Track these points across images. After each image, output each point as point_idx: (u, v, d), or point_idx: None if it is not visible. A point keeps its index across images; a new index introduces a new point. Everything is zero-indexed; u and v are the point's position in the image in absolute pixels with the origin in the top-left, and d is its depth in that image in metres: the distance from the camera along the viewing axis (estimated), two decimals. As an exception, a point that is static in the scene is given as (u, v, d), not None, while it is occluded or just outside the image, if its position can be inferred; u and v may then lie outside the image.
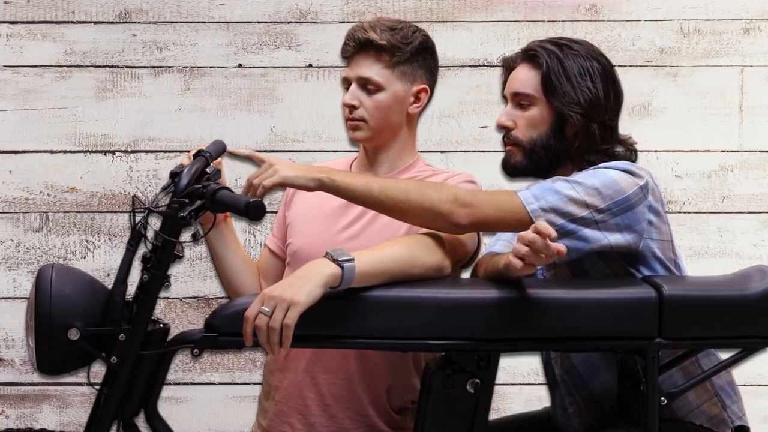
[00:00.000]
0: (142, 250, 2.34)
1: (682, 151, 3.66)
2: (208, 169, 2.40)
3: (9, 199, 3.64)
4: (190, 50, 3.65)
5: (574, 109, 2.48)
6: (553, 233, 2.17)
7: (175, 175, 2.36)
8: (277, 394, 2.66)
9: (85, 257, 3.63)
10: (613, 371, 2.48)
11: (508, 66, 2.61)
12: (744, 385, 2.62)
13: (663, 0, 3.65)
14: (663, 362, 2.36)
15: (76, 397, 3.63)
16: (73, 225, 3.64)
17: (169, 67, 3.65)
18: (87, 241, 3.64)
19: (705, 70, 3.65)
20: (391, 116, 2.64)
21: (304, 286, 2.21)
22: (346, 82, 2.67)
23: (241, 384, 3.65)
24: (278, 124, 3.65)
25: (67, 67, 3.64)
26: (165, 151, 3.64)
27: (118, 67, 3.65)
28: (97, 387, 2.36)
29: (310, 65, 3.66)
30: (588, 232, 2.36)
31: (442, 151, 3.63)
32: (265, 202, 2.28)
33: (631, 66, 3.62)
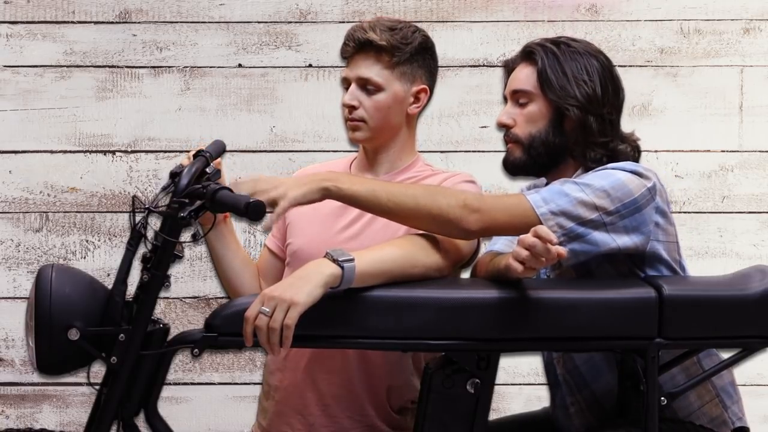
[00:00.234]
0: (142, 250, 2.34)
1: (682, 151, 3.66)
2: (208, 169, 2.40)
3: (9, 199, 3.64)
4: (190, 50, 3.65)
5: (570, 102, 2.48)
6: (554, 238, 2.17)
7: (175, 175, 2.35)
8: (276, 394, 2.66)
9: (85, 257, 3.63)
10: (615, 372, 2.48)
11: (509, 67, 2.62)
12: (744, 385, 2.62)
13: (663, 0, 3.65)
14: (663, 362, 2.36)
15: (76, 397, 3.63)
16: (73, 225, 3.64)
17: (169, 67, 3.65)
18: (87, 241, 3.64)
19: (705, 70, 3.65)
20: (390, 116, 2.64)
21: (304, 286, 2.21)
22: (346, 83, 2.67)
23: (241, 384, 3.65)
24: (278, 124, 3.66)
25: (67, 67, 3.64)
26: (165, 151, 3.64)
27: (118, 67, 3.65)
28: (97, 387, 2.35)
29: (310, 65, 3.66)
30: (597, 235, 2.36)
31: (442, 151, 3.63)
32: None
33: (631, 66, 3.62)
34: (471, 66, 3.65)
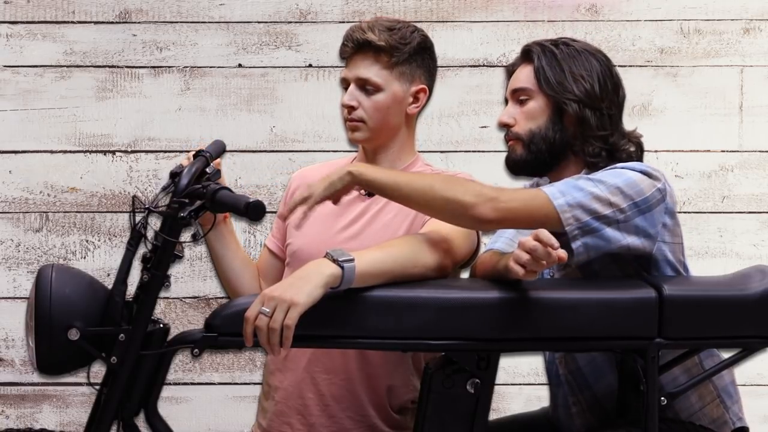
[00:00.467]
0: (142, 250, 2.34)
1: (682, 151, 3.66)
2: (208, 169, 2.40)
3: (9, 199, 3.64)
4: (190, 50, 3.65)
5: (568, 97, 2.49)
6: (555, 242, 2.17)
7: (175, 175, 2.36)
8: (276, 394, 2.66)
9: (85, 257, 3.63)
10: (617, 373, 2.48)
11: (509, 71, 2.62)
12: (744, 385, 2.62)
13: (663, 0, 3.65)
14: (663, 362, 2.36)
15: (76, 397, 3.63)
16: (73, 225, 3.64)
17: (169, 67, 3.65)
18: (87, 241, 3.64)
19: (705, 70, 3.65)
20: (389, 117, 2.64)
21: (304, 286, 2.21)
22: (345, 83, 2.67)
23: (241, 384, 3.65)
24: (278, 124, 3.66)
25: (67, 67, 3.64)
26: (165, 151, 3.64)
27: (118, 67, 3.65)
28: (97, 387, 2.35)
29: (310, 65, 3.66)
30: (609, 231, 2.36)
31: (442, 151, 3.63)
32: (265, 203, 2.28)
33: (631, 66, 3.62)
34: (471, 66, 3.65)
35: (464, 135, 3.65)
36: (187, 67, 3.65)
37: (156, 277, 2.31)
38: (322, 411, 2.62)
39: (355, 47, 2.63)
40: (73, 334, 2.25)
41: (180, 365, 3.63)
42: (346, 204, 2.56)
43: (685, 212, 3.63)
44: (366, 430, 2.61)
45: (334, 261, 2.24)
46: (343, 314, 2.27)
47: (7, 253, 3.64)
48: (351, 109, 2.63)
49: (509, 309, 2.29)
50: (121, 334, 2.28)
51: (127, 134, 3.64)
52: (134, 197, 2.37)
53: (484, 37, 3.65)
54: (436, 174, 2.53)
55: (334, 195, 2.35)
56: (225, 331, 2.28)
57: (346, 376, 2.61)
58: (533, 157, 2.53)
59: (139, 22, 3.65)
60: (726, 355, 2.45)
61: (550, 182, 2.59)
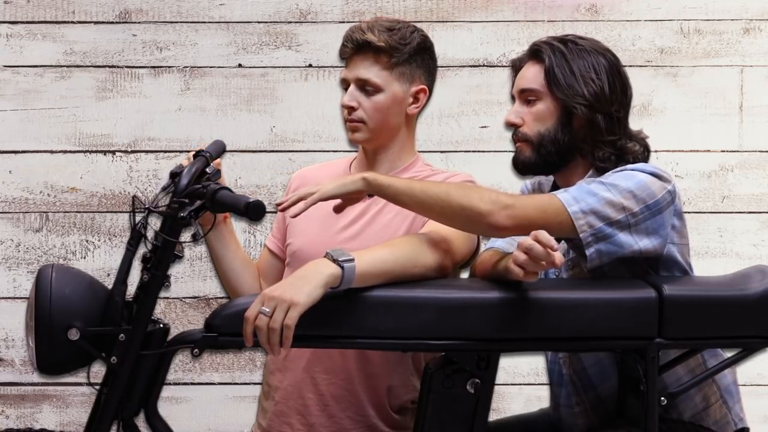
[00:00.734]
0: (142, 250, 2.34)
1: (682, 151, 3.66)
2: (208, 169, 2.40)
3: (9, 199, 3.64)
4: (190, 50, 3.65)
5: (578, 100, 2.48)
6: (555, 244, 2.17)
7: (175, 175, 2.36)
8: (276, 395, 2.66)
9: (85, 257, 3.63)
10: None
11: (516, 66, 2.61)
12: (744, 385, 2.62)
13: (663, 0, 3.65)
14: (664, 362, 2.36)
15: (76, 397, 3.63)
16: (73, 225, 3.64)
17: (169, 67, 3.65)
18: (87, 241, 3.64)
19: (705, 70, 3.65)
20: (389, 117, 2.64)
21: (304, 286, 2.21)
22: (345, 84, 2.67)
23: (241, 384, 3.65)
24: (278, 124, 3.66)
25: (67, 67, 3.64)
26: (165, 151, 3.64)
27: (118, 67, 3.65)
28: (97, 387, 2.35)
29: (310, 65, 3.66)
30: (622, 236, 2.35)
31: (442, 151, 3.63)
32: (265, 203, 2.28)
33: (631, 66, 3.59)
34: (471, 66, 3.65)
35: (464, 135, 3.65)
36: (187, 67, 3.65)
37: (156, 277, 2.31)
38: (322, 411, 2.62)
39: (354, 48, 2.63)
40: (73, 334, 2.25)
41: (180, 365, 3.63)
42: (347, 204, 2.56)
43: (685, 212, 3.61)
44: (366, 430, 2.61)
45: (334, 261, 2.24)
46: (343, 314, 2.27)
47: (7, 253, 3.64)
48: (351, 109, 2.63)
49: (509, 309, 2.29)
50: (121, 334, 2.28)
51: (127, 134, 3.64)
52: (134, 197, 2.37)
53: (484, 37, 3.65)
54: (452, 182, 2.51)
55: (343, 195, 2.35)
56: (225, 331, 2.28)
57: (346, 376, 2.61)
58: (542, 159, 2.53)
59: (139, 22, 3.65)
60: (728, 354, 2.46)
61: (555, 182, 2.59)
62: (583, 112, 2.48)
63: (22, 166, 3.64)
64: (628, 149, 2.51)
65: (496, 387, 2.37)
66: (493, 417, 2.43)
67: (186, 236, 2.35)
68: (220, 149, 2.53)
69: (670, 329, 2.31)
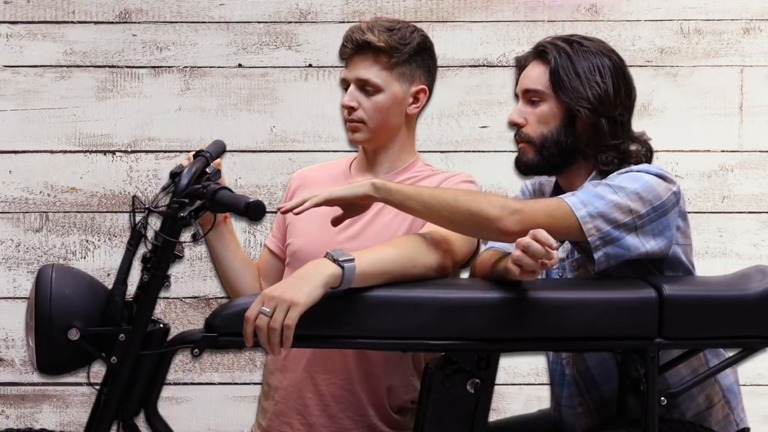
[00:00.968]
0: (142, 250, 2.34)
1: (682, 151, 3.66)
2: (208, 169, 2.40)
3: (9, 199, 3.64)
4: (190, 50, 3.65)
5: (582, 104, 2.48)
6: (554, 243, 2.17)
7: (175, 175, 2.36)
8: (276, 395, 2.66)
9: (85, 257, 3.63)
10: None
11: (520, 65, 2.61)
12: (744, 385, 2.62)
13: (663, 0, 3.65)
14: (664, 362, 2.36)
15: (76, 397, 3.63)
16: (73, 225, 3.64)
17: (169, 67, 3.65)
18: (87, 241, 3.64)
19: (705, 70, 3.65)
20: (389, 117, 2.64)
21: (304, 286, 2.21)
22: (345, 84, 2.67)
23: (241, 384, 3.65)
24: (278, 124, 3.66)
25: (67, 67, 3.64)
26: (165, 151, 3.64)
27: (118, 67, 3.65)
28: (97, 387, 2.36)
29: (310, 65, 3.66)
30: (629, 239, 2.36)
31: (442, 151, 3.63)
32: (265, 202, 2.28)
33: (631, 66, 3.56)
34: (471, 66, 3.65)
35: (464, 135, 3.65)
36: (187, 67, 3.65)
37: (156, 277, 2.31)
38: (322, 411, 2.62)
39: (354, 48, 2.63)
40: (73, 334, 2.25)
41: (180, 365, 3.63)
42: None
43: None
44: (366, 430, 2.61)
45: (334, 261, 2.24)
46: (343, 314, 2.27)
47: (7, 253, 3.64)
48: (351, 109, 2.63)
49: (509, 309, 2.29)
50: (121, 334, 2.28)
51: (127, 134, 3.64)
52: (134, 197, 2.37)
53: (484, 37, 3.65)
54: (459, 189, 2.51)
55: (351, 198, 2.35)
56: (225, 331, 2.28)
57: (346, 376, 2.61)
58: (545, 161, 2.53)
59: (139, 22, 3.65)
60: (727, 354, 2.46)
61: (557, 182, 2.59)
62: (587, 116, 2.48)
63: (22, 166, 3.64)
64: (632, 152, 2.51)
65: (496, 387, 2.37)
66: (493, 417, 2.43)
67: (186, 236, 2.35)
68: (220, 149, 2.53)
69: (670, 329, 2.31)
